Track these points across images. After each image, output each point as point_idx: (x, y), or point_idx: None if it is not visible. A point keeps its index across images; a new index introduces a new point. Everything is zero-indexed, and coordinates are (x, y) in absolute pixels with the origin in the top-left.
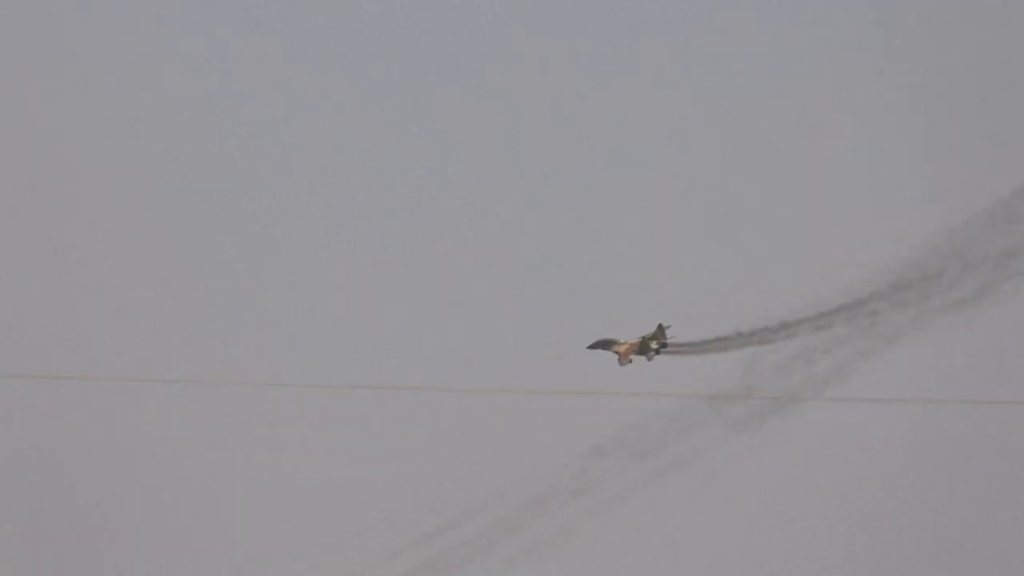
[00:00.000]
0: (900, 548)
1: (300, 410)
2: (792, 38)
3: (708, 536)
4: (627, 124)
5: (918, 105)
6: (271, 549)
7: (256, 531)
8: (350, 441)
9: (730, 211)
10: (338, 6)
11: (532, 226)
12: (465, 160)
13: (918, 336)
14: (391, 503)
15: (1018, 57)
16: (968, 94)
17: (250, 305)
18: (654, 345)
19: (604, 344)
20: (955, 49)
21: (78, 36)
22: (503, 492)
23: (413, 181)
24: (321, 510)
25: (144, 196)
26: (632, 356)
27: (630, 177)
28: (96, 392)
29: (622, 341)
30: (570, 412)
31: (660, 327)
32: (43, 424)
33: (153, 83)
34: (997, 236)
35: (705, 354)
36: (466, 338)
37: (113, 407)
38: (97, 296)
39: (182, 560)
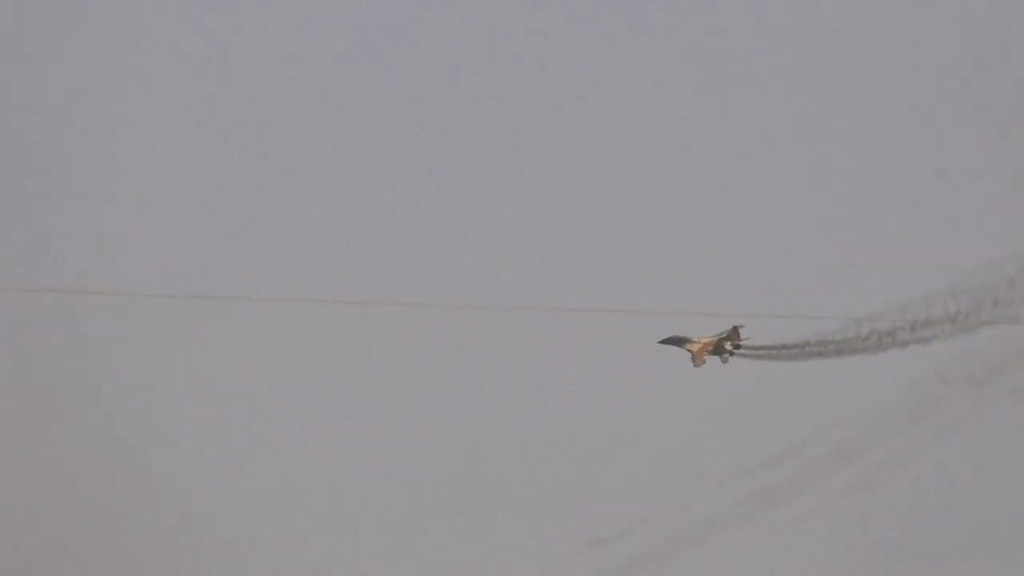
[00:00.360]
0: None
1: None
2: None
3: None
4: (629, 122)
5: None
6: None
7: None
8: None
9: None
10: (339, 7)
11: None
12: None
13: None
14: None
15: None
16: None
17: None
18: (728, 346)
19: (677, 341)
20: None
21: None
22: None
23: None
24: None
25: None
26: (706, 356)
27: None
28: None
29: (695, 339)
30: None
31: (735, 328)
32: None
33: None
34: None
35: (779, 360)
36: None
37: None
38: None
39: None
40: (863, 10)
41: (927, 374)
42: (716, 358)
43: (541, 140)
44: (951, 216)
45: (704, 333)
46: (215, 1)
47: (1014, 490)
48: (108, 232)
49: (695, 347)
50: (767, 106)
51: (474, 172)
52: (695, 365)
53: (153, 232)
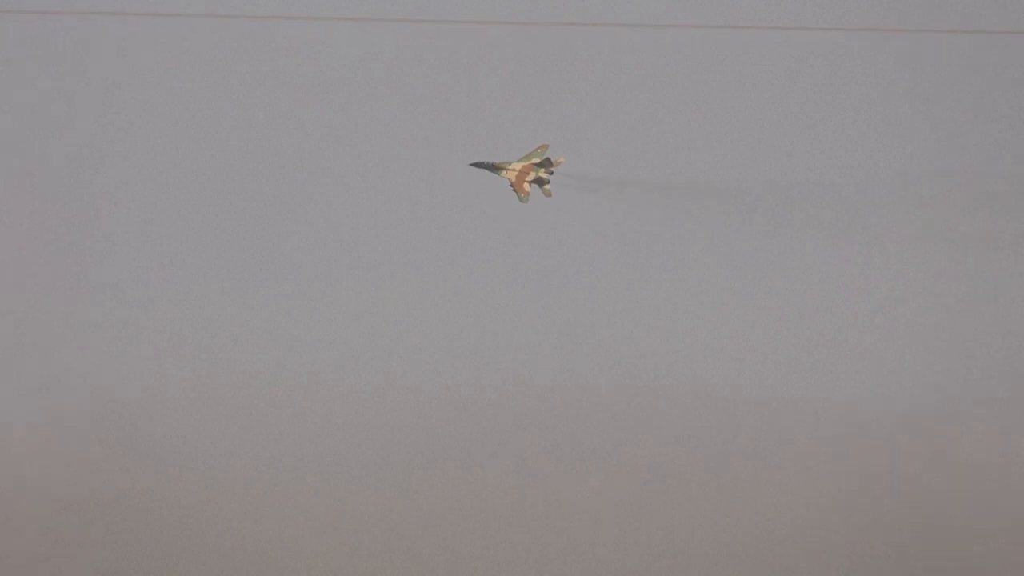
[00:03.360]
0: None
1: None
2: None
3: None
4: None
5: None
6: None
7: None
8: None
9: None
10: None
11: None
12: None
13: None
14: None
15: None
16: None
17: None
18: (543, 173)
19: (491, 167)
20: None
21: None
22: None
23: None
24: None
25: None
26: (527, 186)
27: None
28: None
29: (507, 165)
30: None
31: (540, 148)
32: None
33: None
34: None
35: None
36: None
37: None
38: None
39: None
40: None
41: None
42: (539, 190)
43: None
44: None
45: (509, 156)
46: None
47: None
48: None
49: (512, 174)
50: None
51: None
52: (521, 200)
53: None
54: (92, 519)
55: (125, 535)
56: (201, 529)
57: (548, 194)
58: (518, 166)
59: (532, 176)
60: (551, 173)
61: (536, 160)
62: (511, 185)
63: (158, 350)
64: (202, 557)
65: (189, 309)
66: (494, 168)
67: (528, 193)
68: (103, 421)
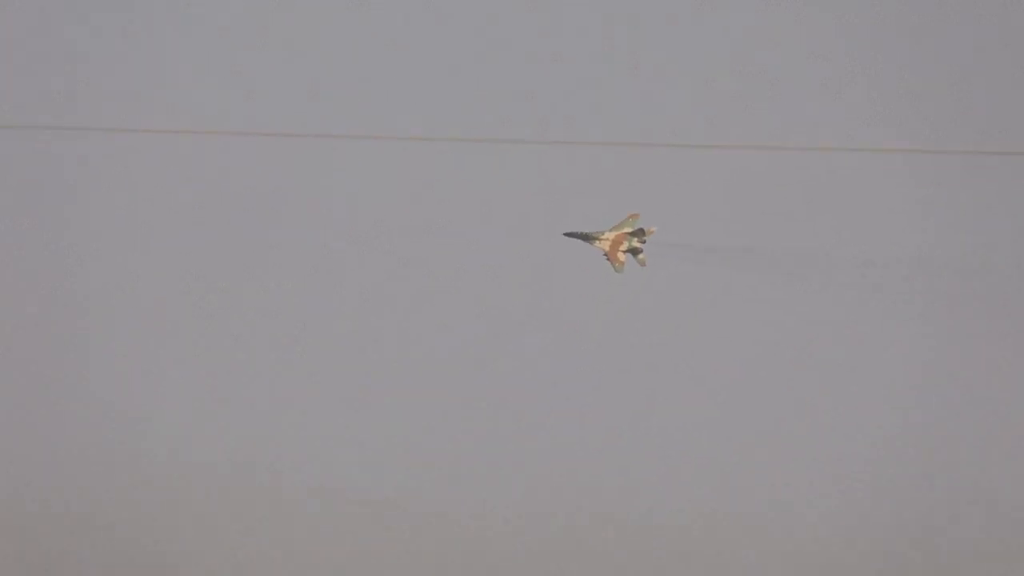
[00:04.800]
0: None
1: None
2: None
3: None
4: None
5: None
6: None
7: None
8: None
9: None
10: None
11: None
12: None
13: None
14: None
15: None
16: None
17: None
18: (635, 242)
19: (584, 236)
20: None
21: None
22: None
23: None
24: None
25: None
26: (621, 255)
27: None
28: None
29: (599, 234)
30: None
31: (630, 217)
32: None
33: None
34: None
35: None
36: None
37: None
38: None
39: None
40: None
41: None
42: (633, 258)
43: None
44: None
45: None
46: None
47: None
48: None
49: (606, 244)
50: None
51: None
52: (616, 270)
53: None
54: (91, 519)
55: (125, 535)
56: (201, 530)
57: (643, 263)
58: (611, 235)
59: (626, 245)
60: (644, 242)
61: (628, 229)
62: (605, 255)
63: (157, 351)
64: (202, 558)
65: (189, 311)
66: (587, 238)
67: (623, 263)
68: (102, 422)
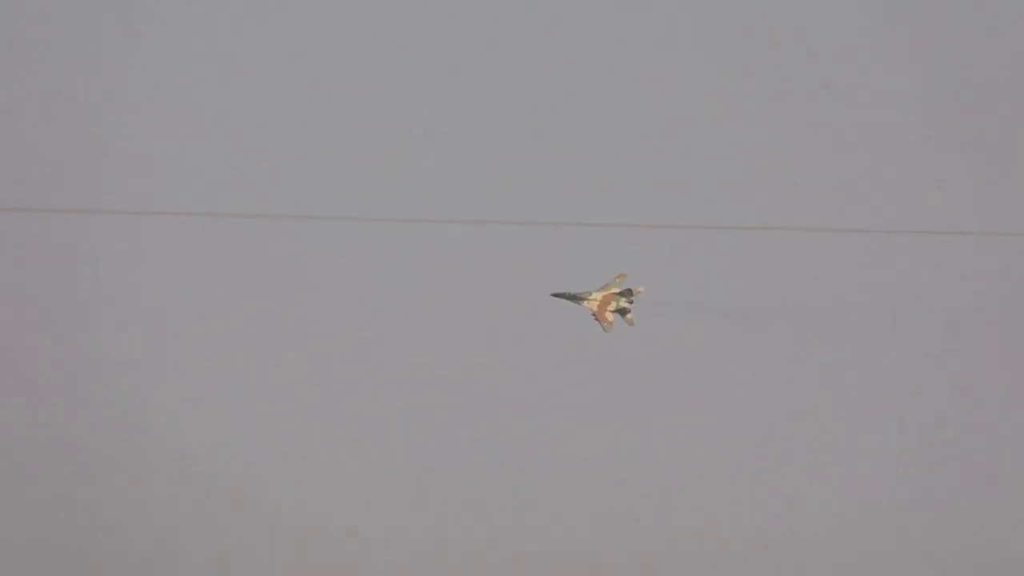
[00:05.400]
0: None
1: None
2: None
3: None
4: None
5: None
6: None
7: None
8: None
9: None
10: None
11: None
12: None
13: None
14: None
15: None
16: None
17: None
18: (623, 303)
19: (571, 297)
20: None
21: None
22: None
23: None
24: None
25: None
26: (609, 315)
27: None
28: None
29: (587, 295)
30: None
31: (618, 278)
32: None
33: None
34: None
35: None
36: None
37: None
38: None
39: None
40: None
41: None
42: (621, 319)
43: None
44: None
45: (581, 286)
46: None
47: None
48: None
49: (594, 304)
50: None
51: None
52: (605, 330)
53: None
54: (90, 520)
55: (123, 536)
56: (199, 532)
57: (631, 323)
58: (599, 296)
59: (614, 306)
60: (631, 302)
61: (616, 290)
62: (593, 315)
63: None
64: (198, 559)
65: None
66: (575, 298)
67: (612, 323)
68: (100, 423)
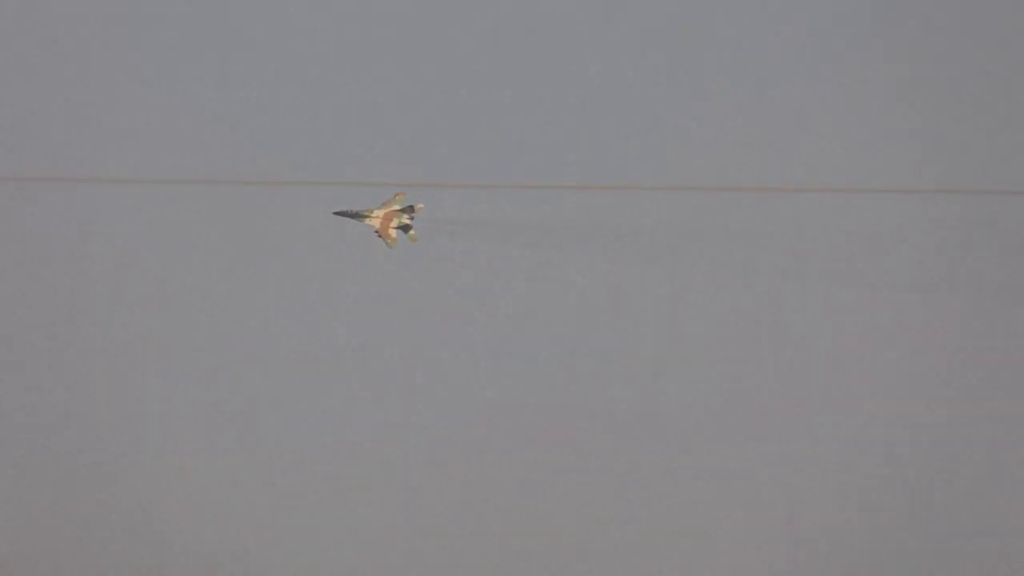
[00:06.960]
0: None
1: None
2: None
3: None
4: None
5: None
6: None
7: None
8: None
9: None
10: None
11: None
12: None
13: None
14: None
15: None
16: None
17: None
18: (406, 219)
19: (353, 214)
20: None
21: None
22: None
23: None
24: None
25: None
26: (392, 232)
27: None
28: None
29: (368, 212)
30: None
31: (396, 196)
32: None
33: None
34: None
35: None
36: None
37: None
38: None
39: None
40: None
41: None
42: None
43: None
44: None
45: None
46: None
47: None
48: None
49: (375, 221)
50: None
51: None
52: (388, 246)
53: None
54: (89, 520)
55: (122, 536)
56: (198, 533)
57: (414, 239)
58: (380, 213)
59: (396, 223)
60: (412, 218)
61: (398, 207)
62: (376, 232)
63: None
64: (198, 560)
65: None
66: (357, 216)
67: (395, 240)
68: (98, 423)
